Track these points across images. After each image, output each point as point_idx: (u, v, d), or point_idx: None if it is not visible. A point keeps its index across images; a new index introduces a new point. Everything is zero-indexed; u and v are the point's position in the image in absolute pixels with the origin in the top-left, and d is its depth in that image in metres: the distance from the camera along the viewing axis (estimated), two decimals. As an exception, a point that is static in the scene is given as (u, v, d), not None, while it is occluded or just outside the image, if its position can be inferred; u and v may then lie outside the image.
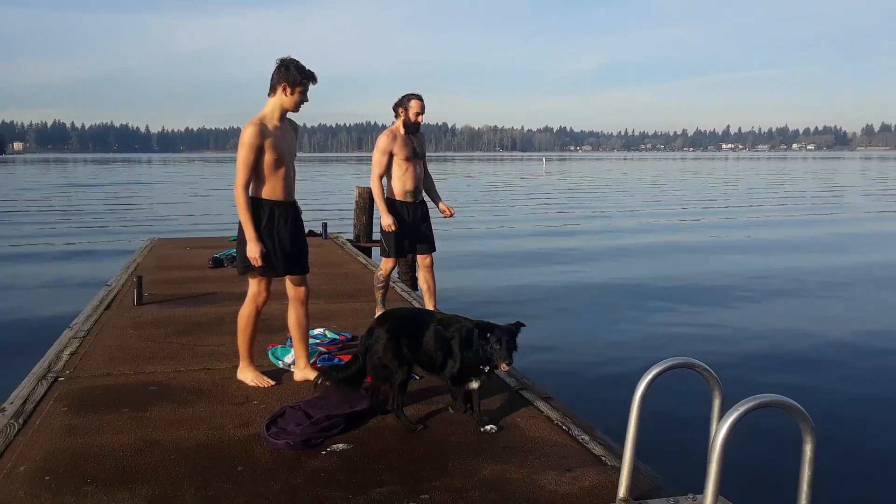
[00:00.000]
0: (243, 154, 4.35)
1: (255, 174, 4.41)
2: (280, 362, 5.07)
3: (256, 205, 4.45)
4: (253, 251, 4.38)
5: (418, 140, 6.01)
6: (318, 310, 6.77)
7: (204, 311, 6.74)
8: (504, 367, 3.82)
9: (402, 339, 3.99)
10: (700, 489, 2.70)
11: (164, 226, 21.16)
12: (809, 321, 9.53)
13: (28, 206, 30.74)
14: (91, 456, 3.48)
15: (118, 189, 43.90)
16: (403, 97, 5.89)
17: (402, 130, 5.90)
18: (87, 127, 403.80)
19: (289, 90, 4.42)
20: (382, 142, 5.88)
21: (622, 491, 3.02)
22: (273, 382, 4.64)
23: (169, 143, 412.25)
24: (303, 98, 4.49)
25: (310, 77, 4.47)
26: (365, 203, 14.26)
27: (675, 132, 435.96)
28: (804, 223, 22.52)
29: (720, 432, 2.53)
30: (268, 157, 4.38)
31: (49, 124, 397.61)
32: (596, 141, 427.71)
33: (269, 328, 5.99)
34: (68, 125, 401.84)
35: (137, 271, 8.64)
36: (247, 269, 4.52)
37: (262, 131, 4.36)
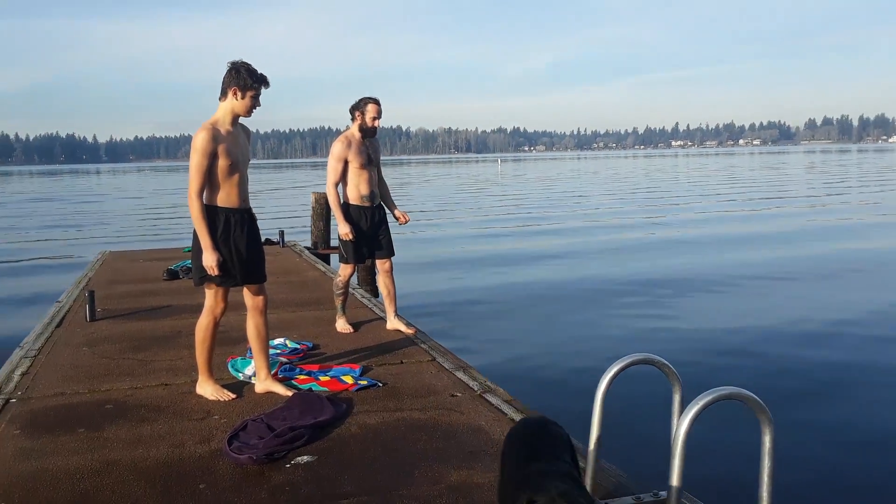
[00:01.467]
0: (196, 160, 4.26)
1: (209, 181, 4.33)
2: (240, 374, 4.99)
3: (211, 212, 4.37)
4: (209, 260, 4.30)
5: (373, 145, 6.00)
6: (277, 319, 6.69)
7: (160, 324, 6.61)
8: None
9: None
10: (665, 486, 2.74)
11: (115, 238, 20.69)
12: (763, 313, 9.76)
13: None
14: (46, 480, 3.37)
15: (66, 202, 42.79)
16: (360, 101, 5.87)
17: (357, 135, 5.87)
18: (31, 138, 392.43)
19: (240, 94, 4.34)
20: (337, 149, 5.85)
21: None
22: (234, 395, 4.57)
23: (118, 152, 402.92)
24: (255, 102, 4.42)
25: (261, 80, 4.40)
26: (322, 209, 14.15)
27: (627, 130, 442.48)
28: (753, 218, 23.07)
29: (681, 427, 2.57)
30: (221, 163, 4.31)
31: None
32: (549, 141, 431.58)
33: (227, 340, 5.90)
34: (12, 136, 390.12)
35: (89, 286, 8.43)
36: (203, 279, 4.45)
37: (215, 136, 4.28)
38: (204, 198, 4.35)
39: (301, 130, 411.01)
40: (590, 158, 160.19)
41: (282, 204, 34.13)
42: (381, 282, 6.19)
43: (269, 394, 4.59)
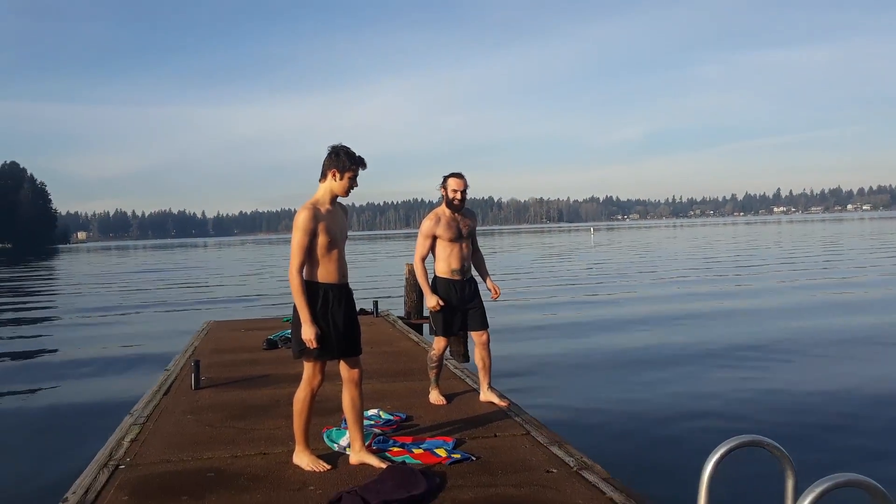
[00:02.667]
0: (298, 237, 4.46)
1: (309, 257, 4.51)
2: (335, 445, 5.03)
3: (311, 287, 4.53)
4: (308, 334, 4.43)
5: (464, 219, 6.10)
6: (371, 390, 6.76)
7: (259, 393, 6.79)
8: None
9: None
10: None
11: (219, 308, 21.59)
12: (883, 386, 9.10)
13: (90, 289, 31.79)
14: (151, 546, 3.47)
15: (175, 273, 45.12)
16: (445, 177, 6.05)
17: (446, 210, 6.02)
18: (146, 215, 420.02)
19: (338, 176, 4.56)
20: (426, 226, 6.02)
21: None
22: (329, 466, 4.61)
23: (224, 226, 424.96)
24: (352, 183, 4.62)
25: (359, 163, 4.61)
26: (414, 280, 14.33)
27: (724, 197, 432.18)
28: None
29: (796, 515, 2.41)
30: (321, 241, 4.49)
31: (111, 213, 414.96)
32: (643, 209, 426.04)
33: (323, 410, 5.98)
34: (129, 213, 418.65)
35: (195, 355, 8.79)
36: (302, 352, 4.57)
37: (316, 215, 4.49)
38: (304, 273, 4.52)
39: (395, 203, 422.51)
40: (686, 226, 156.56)
41: (376, 274, 34.86)
42: (478, 354, 6.17)
43: (364, 465, 4.60)
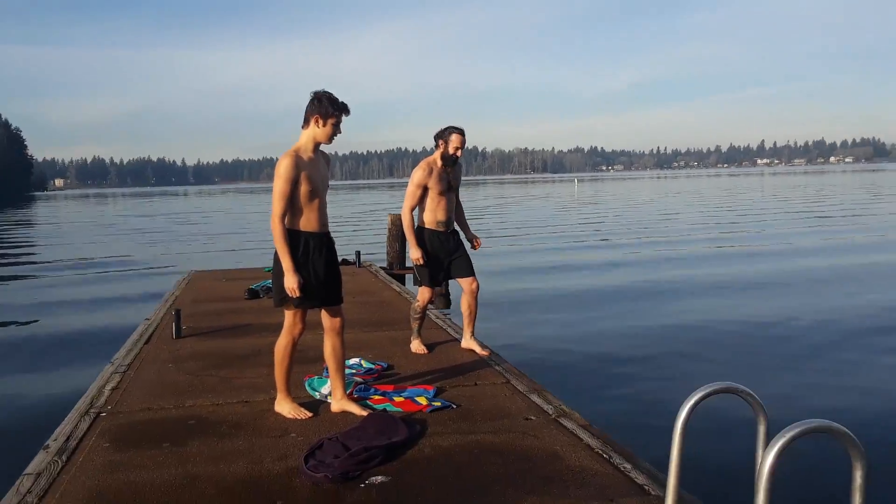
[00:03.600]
0: (279, 185, 4.41)
1: (291, 206, 4.47)
2: (317, 393, 5.08)
3: (293, 236, 4.49)
4: (290, 282, 4.42)
5: (454, 172, 6.05)
6: (353, 339, 6.79)
7: (241, 342, 6.81)
8: None
9: None
10: (748, 520, 2.63)
11: (201, 258, 21.48)
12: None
13: (67, 232, 31.48)
14: (133, 492, 3.50)
15: (157, 222, 44.73)
16: (445, 129, 5.93)
17: (439, 163, 5.94)
18: (125, 162, 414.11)
19: (321, 122, 4.48)
20: (418, 175, 5.93)
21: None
22: (310, 414, 4.65)
23: (204, 175, 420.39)
24: (335, 130, 4.54)
25: (342, 109, 4.53)
26: (397, 230, 14.32)
27: (709, 148, 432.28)
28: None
29: (766, 460, 2.46)
30: (303, 189, 4.44)
31: (89, 160, 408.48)
32: (628, 160, 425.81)
33: (305, 359, 6.01)
34: (107, 160, 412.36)
35: (175, 304, 8.77)
36: (283, 300, 4.56)
37: (298, 163, 4.42)
38: (286, 222, 4.48)
39: (378, 152, 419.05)
40: (670, 178, 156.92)
41: (359, 224, 34.75)
42: (465, 301, 6.18)
43: (345, 413, 4.64)
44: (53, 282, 17.96)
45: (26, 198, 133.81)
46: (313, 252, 4.54)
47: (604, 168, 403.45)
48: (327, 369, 4.96)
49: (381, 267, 13.02)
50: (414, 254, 5.96)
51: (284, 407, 4.68)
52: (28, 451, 4.16)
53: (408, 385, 5.23)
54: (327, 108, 4.46)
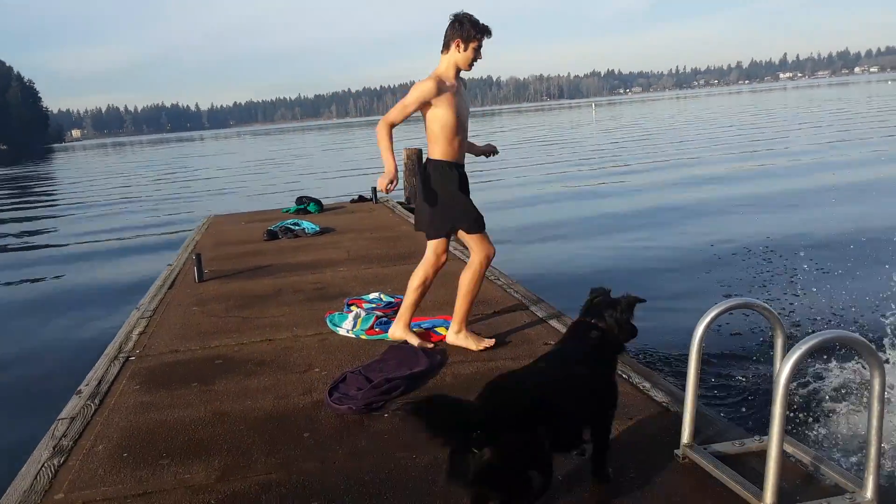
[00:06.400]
0: (409, 99, 4.26)
1: (441, 137, 4.33)
2: (339, 329, 5.14)
3: (447, 168, 4.38)
4: (385, 177, 4.19)
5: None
6: (372, 274, 6.86)
7: (262, 283, 6.88)
8: None
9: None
10: (766, 431, 2.65)
11: (220, 202, 21.58)
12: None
13: (90, 187, 31.72)
14: (165, 431, 3.62)
15: (171, 169, 44.87)
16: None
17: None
18: (139, 109, 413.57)
19: (462, 46, 4.31)
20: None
21: (686, 437, 2.99)
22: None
23: (219, 118, 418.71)
24: (476, 55, 4.36)
25: (484, 31, 4.33)
26: (413, 165, 14.19)
27: (729, 65, 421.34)
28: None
29: (783, 372, 2.47)
30: (446, 116, 4.29)
31: (104, 110, 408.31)
32: (646, 82, 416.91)
33: (325, 296, 6.09)
34: (122, 109, 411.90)
35: (196, 249, 8.86)
36: (475, 225, 4.41)
37: (440, 87, 4.27)
38: (437, 153, 4.37)
39: (392, 86, 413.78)
40: (690, 97, 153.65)
41: (374, 160, 34.57)
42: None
43: (368, 345, 4.72)
44: (77, 231, 18.20)
45: (44, 150, 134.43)
46: (464, 182, 4.47)
47: (621, 91, 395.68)
48: (348, 304, 5.00)
49: (397, 202, 13.00)
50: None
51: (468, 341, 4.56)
52: (62, 397, 4.29)
53: (428, 317, 5.28)
54: (469, 31, 4.27)
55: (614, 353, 2.87)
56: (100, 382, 4.39)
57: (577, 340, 2.86)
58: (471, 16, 4.30)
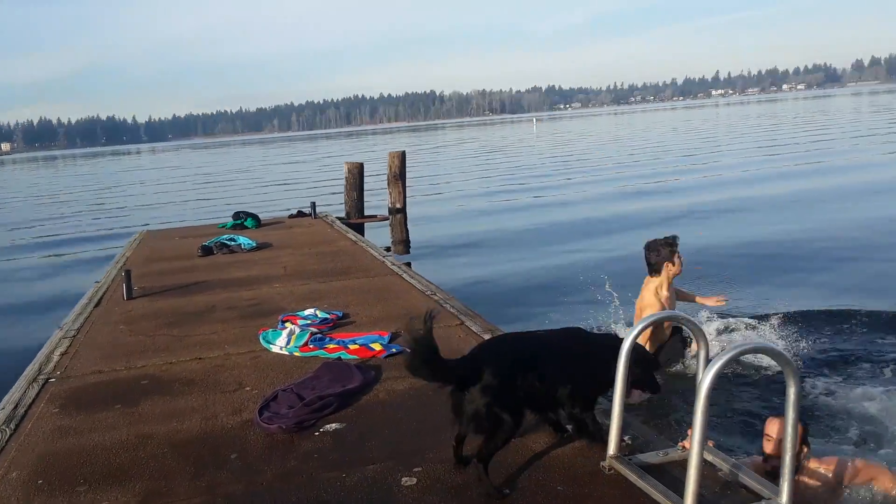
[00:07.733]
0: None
1: None
2: (272, 346, 5.05)
3: None
4: None
5: None
6: (308, 290, 6.77)
7: (194, 300, 6.72)
8: None
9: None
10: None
11: (153, 217, 21.06)
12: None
13: (18, 204, 30.56)
14: (84, 455, 3.48)
15: (108, 183, 43.64)
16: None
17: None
18: (73, 122, 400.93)
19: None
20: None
21: (612, 448, 3.02)
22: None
23: (157, 132, 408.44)
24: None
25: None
26: (355, 179, 14.19)
27: (665, 82, 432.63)
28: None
29: (704, 383, 2.52)
30: None
31: (35, 122, 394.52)
32: (585, 97, 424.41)
33: (260, 312, 5.99)
34: (55, 121, 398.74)
35: (126, 265, 8.61)
36: None
37: None
38: None
39: (335, 101, 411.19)
40: (627, 113, 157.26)
41: (315, 174, 34.26)
42: None
43: (300, 364, 4.64)
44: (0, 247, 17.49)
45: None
46: None
47: (562, 106, 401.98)
48: (282, 321, 4.92)
49: (337, 217, 12.90)
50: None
51: None
52: (-25, 421, 4.09)
53: (363, 332, 5.24)
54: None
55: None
56: (16, 406, 4.20)
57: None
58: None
